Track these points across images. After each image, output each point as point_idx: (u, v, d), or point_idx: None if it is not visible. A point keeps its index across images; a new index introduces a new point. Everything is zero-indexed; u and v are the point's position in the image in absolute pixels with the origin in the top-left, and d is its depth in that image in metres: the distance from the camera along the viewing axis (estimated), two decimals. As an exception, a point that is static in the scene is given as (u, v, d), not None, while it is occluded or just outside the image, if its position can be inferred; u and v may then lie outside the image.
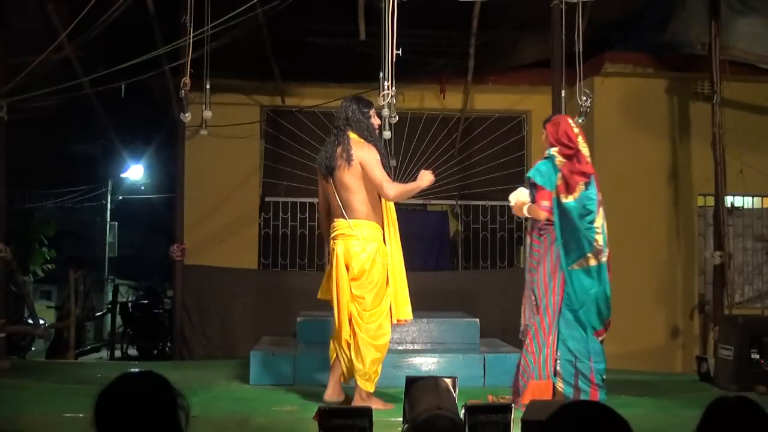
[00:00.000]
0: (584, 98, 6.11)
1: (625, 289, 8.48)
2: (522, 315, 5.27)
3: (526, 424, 3.69)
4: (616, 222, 8.56)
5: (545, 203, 5.06)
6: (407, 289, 5.14)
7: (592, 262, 5.01)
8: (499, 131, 9.90)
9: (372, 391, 5.05)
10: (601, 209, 5.07)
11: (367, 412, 3.54)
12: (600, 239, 4.99)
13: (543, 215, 5.08)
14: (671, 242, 8.77)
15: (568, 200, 5.02)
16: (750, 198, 8.96)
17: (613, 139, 8.75)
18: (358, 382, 5.03)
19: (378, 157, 5.05)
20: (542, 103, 8.74)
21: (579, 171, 5.04)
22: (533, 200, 5.16)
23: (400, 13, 5.46)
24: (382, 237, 5.11)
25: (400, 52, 5.45)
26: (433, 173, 5.19)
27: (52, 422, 4.87)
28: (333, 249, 5.14)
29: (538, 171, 5.13)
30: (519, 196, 5.27)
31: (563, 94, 6.83)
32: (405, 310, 5.10)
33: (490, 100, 9.74)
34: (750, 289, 8.93)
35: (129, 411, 1.98)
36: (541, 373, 5.02)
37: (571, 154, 5.10)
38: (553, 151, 5.16)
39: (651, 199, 8.77)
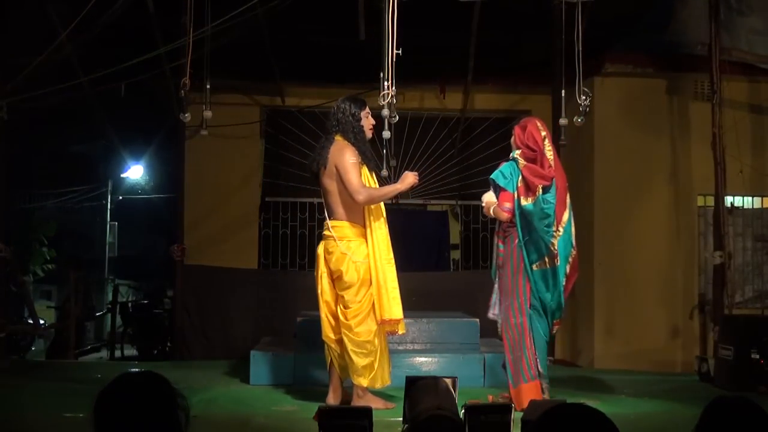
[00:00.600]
0: (583, 98, 6.10)
1: (625, 289, 8.53)
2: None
3: (526, 424, 3.70)
4: (615, 222, 8.68)
5: (507, 205, 5.14)
6: (398, 288, 5.10)
7: (549, 265, 5.08)
8: (499, 131, 9.88)
9: (366, 386, 5.09)
10: (566, 213, 5.10)
11: (367, 412, 3.54)
12: (556, 243, 5.04)
13: (505, 216, 5.15)
14: (671, 242, 8.75)
15: (527, 203, 5.07)
16: (750, 198, 8.95)
17: (613, 139, 8.74)
18: (353, 379, 5.11)
19: (354, 159, 5.06)
20: (542, 104, 8.76)
21: (539, 174, 5.09)
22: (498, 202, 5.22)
23: (400, 13, 5.45)
24: (363, 237, 5.12)
25: (400, 52, 5.45)
26: (417, 175, 5.24)
27: (52, 422, 4.87)
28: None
29: (501, 173, 5.22)
30: (491, 197, 5.32)
31: (563, 94, 6.82)
32: (393, 310, 5.06)
33: (490, 100, 9.72)
34: (750, 289, 8.91)
35: (129, 411, 1.98)
36: (528, 375, 5.07)
37: (534, 157, 5.16)
38: (517, 153, 5.23)
39: (651, 199, 8.76)
